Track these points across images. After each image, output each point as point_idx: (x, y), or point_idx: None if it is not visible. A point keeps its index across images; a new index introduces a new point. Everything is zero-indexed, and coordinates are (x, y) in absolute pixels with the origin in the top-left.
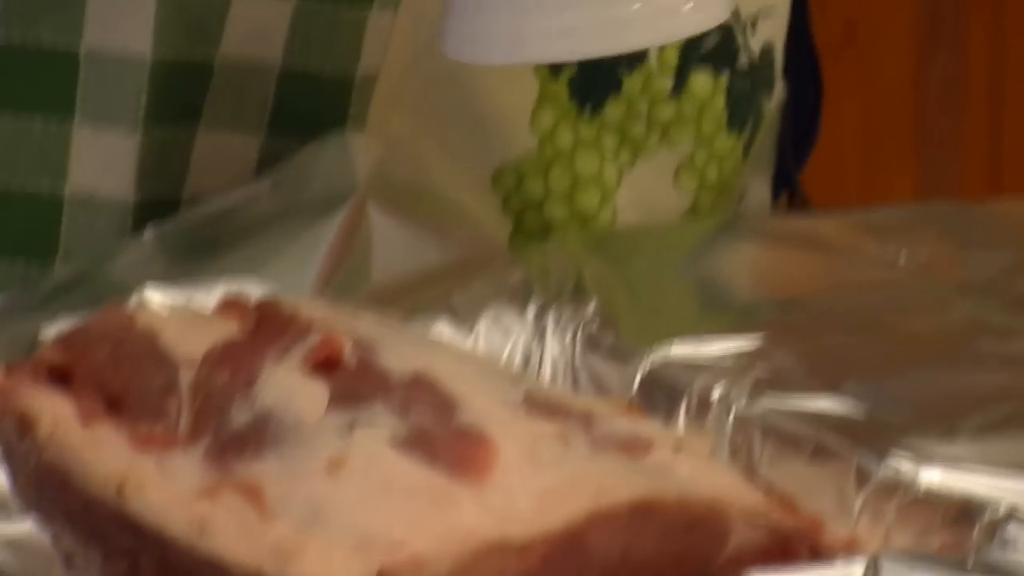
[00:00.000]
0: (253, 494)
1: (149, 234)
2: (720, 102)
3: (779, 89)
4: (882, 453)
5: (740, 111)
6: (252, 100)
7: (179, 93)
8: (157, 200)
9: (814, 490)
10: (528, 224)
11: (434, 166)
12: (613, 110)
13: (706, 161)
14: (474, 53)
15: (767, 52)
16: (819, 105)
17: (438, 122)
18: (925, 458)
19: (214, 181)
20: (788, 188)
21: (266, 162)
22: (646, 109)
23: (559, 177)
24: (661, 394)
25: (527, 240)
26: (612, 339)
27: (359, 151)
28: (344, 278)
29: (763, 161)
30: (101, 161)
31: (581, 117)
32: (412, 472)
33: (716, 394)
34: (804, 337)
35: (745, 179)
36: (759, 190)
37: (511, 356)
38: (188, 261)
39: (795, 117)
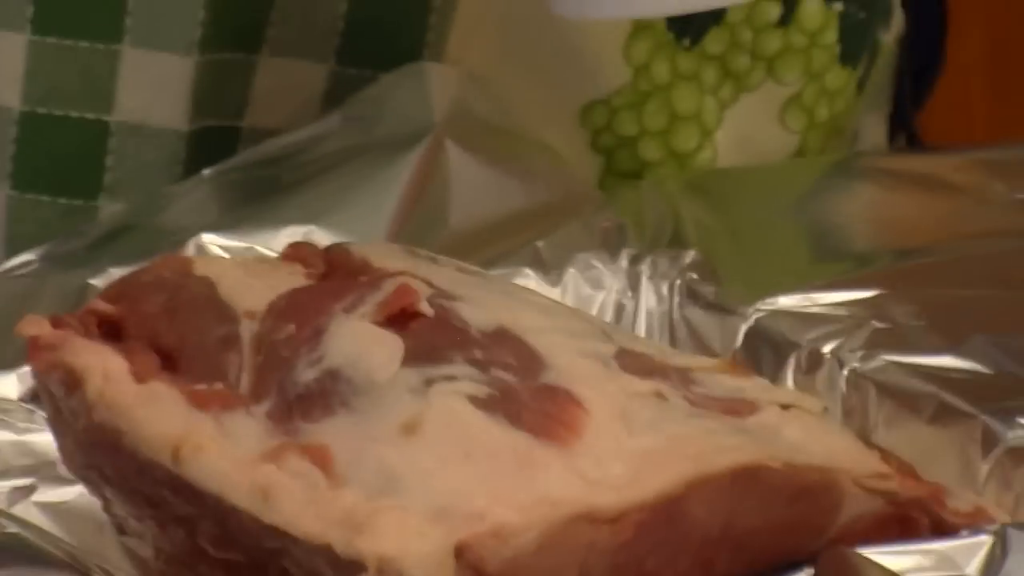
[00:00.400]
0: (321, 458)
1: (207, 174)
2: (832, 33)
3: (897, 20)
4: (1011, 415)
5: (854, 44)
6: (321, 23)
7: (240, 13)
8: (213, 131)
9: (936, 455)
10: (619, 164)
11: (517, 100)
12: (714, 41)
13: (816, 98)
14: (582, 8)
15: None
16: (943, 37)
17: (523, 51)
18: None
19: (277, 112)
20: (906, 129)
21: (335, 93)
22: (751, 40)
23: (654, 113)
24: (767, 349)
25: (618, 182)
26: (713, 290)
27: (437, 83)
28: (420, 223)
29: (879, 100)
30: (152, 87)
31: (679, 48)
32: (495, 435)
33: (828, 349)
34: (925, 288)
35: (858, 119)
36: (874, 131)
37: (602, 308)
38: (250, 204)
39: (915, 51)
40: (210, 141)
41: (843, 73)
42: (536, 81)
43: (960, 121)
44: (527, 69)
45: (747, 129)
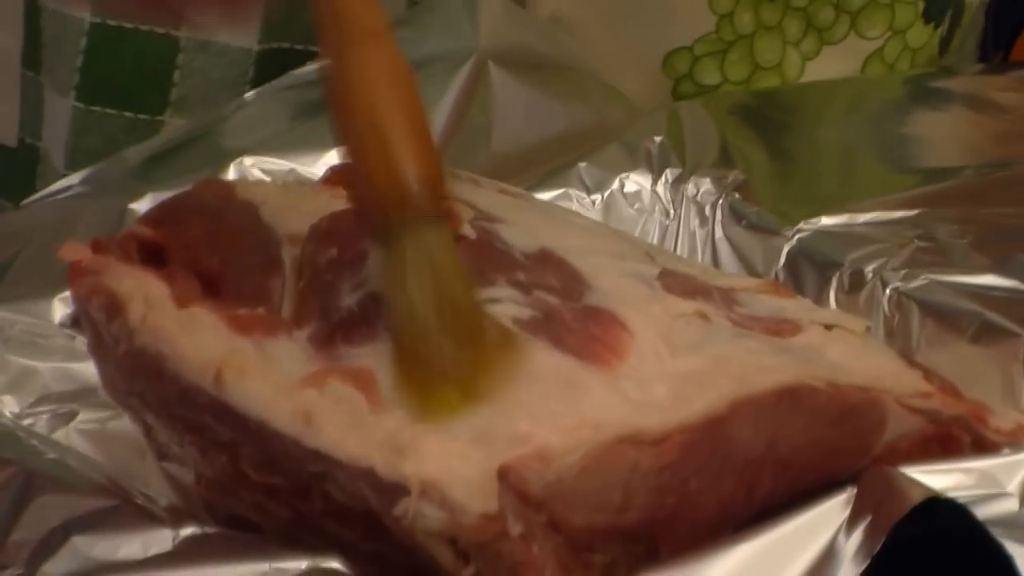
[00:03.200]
0: (363, 382)
1: (249, 97)
2: None
3: None
4: None
5: (938, 1)
6: None
7: None
8: (284, 52)
9: (978, 374)
10: None
11: (601, 45)
12: None
13: (898, 54)
14: None
15: None
16: None
17: None
18: None
19: None
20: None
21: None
22: None
23: (737, 63)
24: (810, 269)
25: None
26: (756, 210)
27: (482, 7)
28: (463, 145)
29: (965, 63)
30: (223, 4)
31: None
32: (538, 356)
33: (870, 269)
34: (967, 207)
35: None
36: None
37: (645, 229)
38: (292, 128)
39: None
40: (280, 62)
41: (926, 30)
42: (620, 27)
43: None
44: (612, 15)
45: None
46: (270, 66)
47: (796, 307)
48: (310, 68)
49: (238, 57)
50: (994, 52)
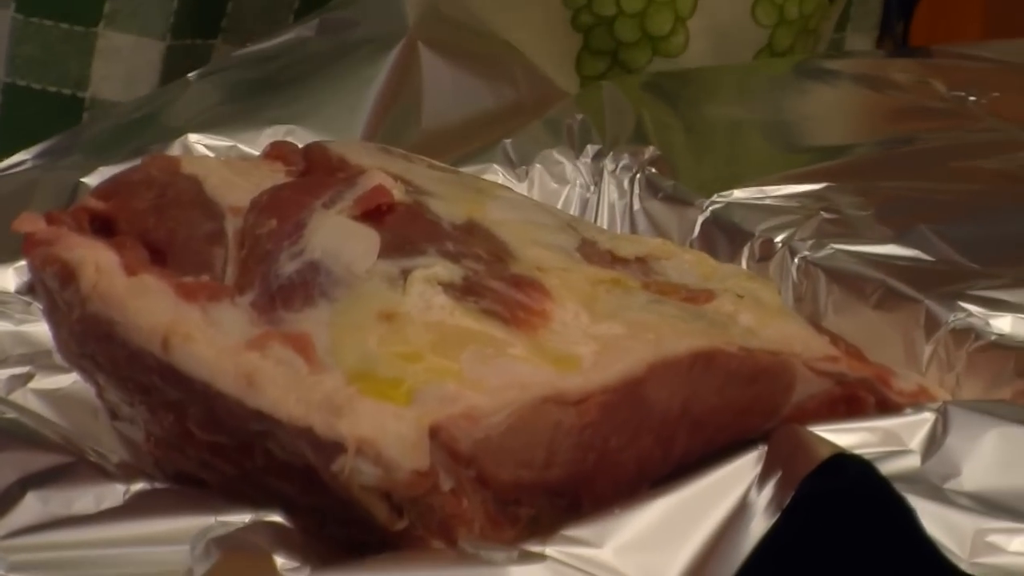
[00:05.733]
0: (302, 346)
1: (192, 77)
2: None
3: None
4: (952, 300)
5: None
6: None
7: None
8: None
9: (882, 338)
10: (597, 42)
11: None
12: None
13: None
14: None
15: None
16: None
17: None
18: (996, 305)
19: None
20: (891, 37)
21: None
22: None
23: None
24: (723, 239)
25: (594, 59)
26: (672, 183)
27: None
28: (394, 123)
29: (866, 18)
30: None
31: None
32: (466, 322)
33: (780, 239)
34: (870, 180)
35: (845, 35)
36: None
37: (567, 202)
38: (233, 106)
39: None
40: None
41: None
42: None
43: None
44: None
45: (719, 20)
46: None
47: (715, 271)
48: (250, 49)
49: None
50: (896, 22)
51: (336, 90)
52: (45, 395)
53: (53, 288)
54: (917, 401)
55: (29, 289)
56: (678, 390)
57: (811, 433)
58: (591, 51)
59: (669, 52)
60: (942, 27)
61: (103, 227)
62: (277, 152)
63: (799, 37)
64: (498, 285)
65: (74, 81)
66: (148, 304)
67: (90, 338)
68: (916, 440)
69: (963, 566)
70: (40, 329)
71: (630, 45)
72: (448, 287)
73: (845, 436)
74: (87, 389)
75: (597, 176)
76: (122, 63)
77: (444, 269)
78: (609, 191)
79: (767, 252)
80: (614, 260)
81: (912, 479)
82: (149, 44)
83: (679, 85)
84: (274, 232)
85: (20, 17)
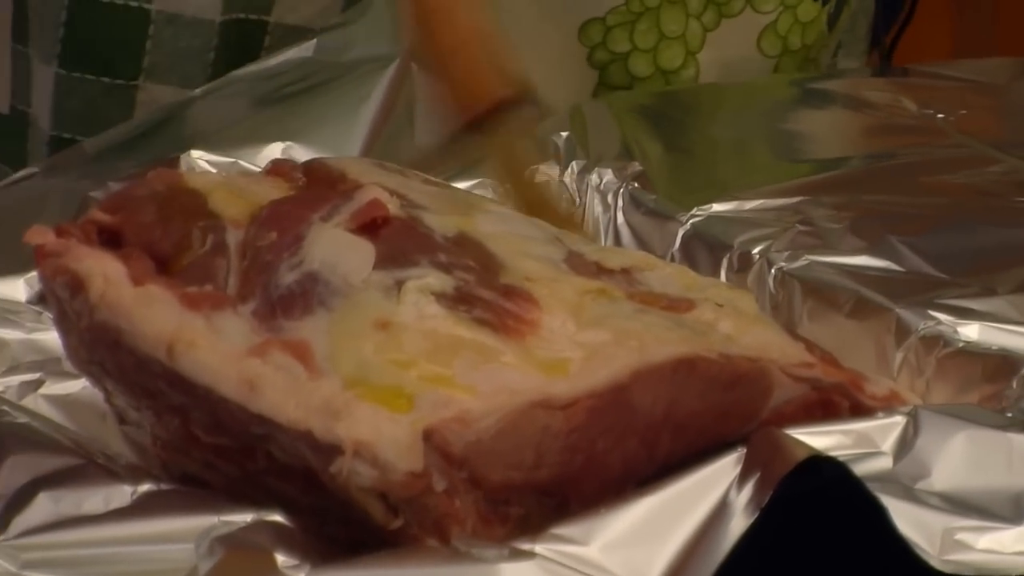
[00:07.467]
0: (301, 352)
1: (197, 94)
2: None
3: None
4: (922, 308)
5: None
6: None
7: None
8: (244, 21)
9: (855, 345)
10: (612, 78)
11: (522, 17)
12: None
13: (789, 27)
14: None
15: None
16: None
17: None
18: (964, 313)
19: (303, 7)
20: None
21: None
22: None
23: (645, 32)
24: (703, 251)
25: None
26: (654, 198)
27: (403, 12)
28: (390, 139)
29: (856, 44)
30: None
31: None
32: (458, 330)
33: (757, 251)
34: (843, 195)
35: (832, 56)
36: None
37: None
38: (235, 123)
39: None
40: (241, 29)
41: (814, 7)
42: (540, 1)
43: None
44: None
45: (727, 52)
46: (231, 36)
47: (694, 283)
48: (251, 68)
49: (203, 28)
50: (884, 34)
51: (334, 109)
52: (55, 400)
53: (63, 297)
54: (889, 405)
55: (40, 299)
56: (661, 395)
57: (788, 436)
58: (607, 86)
59: (681, 85)
60: (914, 45)
61: (110, 239)
62: (277, 169)
63: (801, 66)
64: (489, 295)
65: None
66: (154, 313)
67: (98, 345)
68: (888, 442)
69: (933, 563)
70: (50, 337)
71: (644, 80)
72: (441, 297)
73: (820, 439)
74: (96, 394)
75: (582, 191)
76: None
77: (437, 280)
78: (594, 205)
79: (745, 263)
80: (600, 271)
81: (884, 479)
82: (187, 95)
83: (663, 105)
84: (274, 244)
85: (63, 72)
